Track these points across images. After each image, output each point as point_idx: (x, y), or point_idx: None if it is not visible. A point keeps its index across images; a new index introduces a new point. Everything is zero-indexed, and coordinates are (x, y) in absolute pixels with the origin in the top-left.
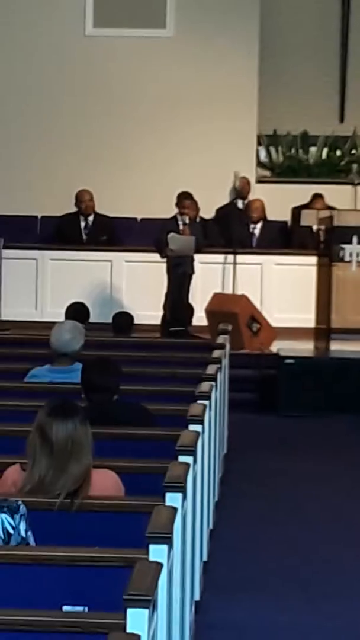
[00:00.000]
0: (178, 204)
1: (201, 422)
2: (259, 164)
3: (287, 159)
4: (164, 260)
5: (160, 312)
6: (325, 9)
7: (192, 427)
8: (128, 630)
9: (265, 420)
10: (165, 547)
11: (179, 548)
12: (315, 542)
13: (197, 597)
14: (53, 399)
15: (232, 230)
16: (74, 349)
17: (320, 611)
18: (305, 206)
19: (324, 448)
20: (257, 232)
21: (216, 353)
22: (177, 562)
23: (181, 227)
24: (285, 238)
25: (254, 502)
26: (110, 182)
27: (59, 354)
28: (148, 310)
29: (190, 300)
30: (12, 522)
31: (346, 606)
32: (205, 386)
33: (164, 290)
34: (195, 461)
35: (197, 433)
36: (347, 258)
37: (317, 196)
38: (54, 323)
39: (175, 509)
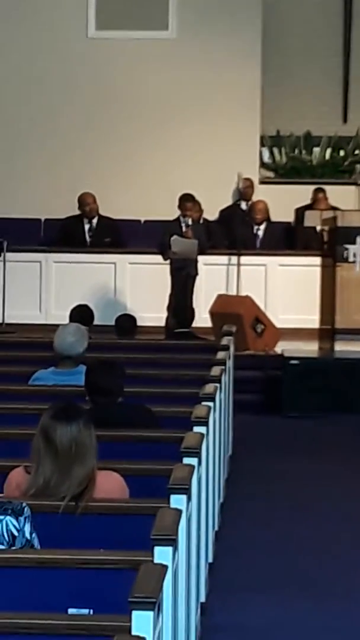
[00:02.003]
0: (180, 206)
1: (206, 423)
2: (262, 165)
3: (290, 160)
4: (168, 262)
5: (164, 314)
6: (328, 10)
7: (196, 429)
8: (133, 632)
9: (270, 421)
10: (170, 549)
11: (184, 550)
12: (321, 543)
13: (202, 599)
14: (57, 402)
15: (235, 231)
16: (78, 352)
17: (327, 612)
18: (309, 206)
19: (330, 449)
20: (260, 233)
21: (220, 354)
22: (182, 564)
23: (184, 228)
24: (289, 239)
25: (260, 503)
26: (114, 184)
27: (63, 356)
28: (152, 312)
29: (193, 302)
30: (16, 524)
31: (353, 606)
32: (209, 388)
33: (168, 292)
34: (200, 463)
35: (202, 435)
36: (351, 258)
37: (319, 191)
38: (58, 326)
39: (180, 511)
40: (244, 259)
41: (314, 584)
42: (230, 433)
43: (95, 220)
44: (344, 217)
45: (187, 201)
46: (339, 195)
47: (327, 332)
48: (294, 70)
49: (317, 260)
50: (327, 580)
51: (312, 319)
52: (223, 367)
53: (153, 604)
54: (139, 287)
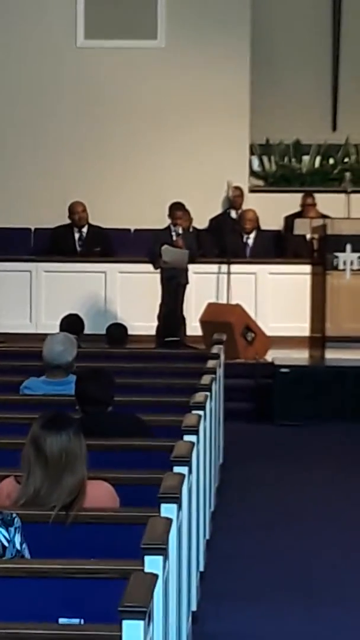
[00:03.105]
0: (170, 215)
1: (196, 432)
2: (252, 173)
3: (280, 168)
4: (158, 271)
5: (155, 323)
6: (317, 18)
7: (187, 438)
8: None
9: (261, 429)
10: (160, 558)
11: (175, 559)
12: (312, 550)
13: (194, 607)
14: (46, 412)
15: (225, 240)
16: (67, 361)
17: (320, 619)
18: (298, 214)
19: (321, 456)
20: (250, 241)
21: (211, 363)
22: (173, 572)
23: (174, 237)
24: (279, 247)
25: (251, 511)
26: (104, 193)
27: (52, 366)
28: (142, 321)
29: (184, 311)
30: (6, 534)
31: (345, 613)
32: (200, 396)
33: (159, 301)
34: (190, 471)
35: (192, 443)
36: (340, 266)
37: (308, 196)
38: (48, 335)
39: (170, 520)
40: (234, 268)
41: (306, 592)
42: (221, 441)
43: (85, 230)
44: (333, 225)
45: (177, 210)
46: (328, 203)
47: (318, 340)
48: (283, 78)
49: (307, 268)
50: (319, 588)
51: (302, 327)
52: (213, 375)
53: (144, 613)
54: (129, 296)
